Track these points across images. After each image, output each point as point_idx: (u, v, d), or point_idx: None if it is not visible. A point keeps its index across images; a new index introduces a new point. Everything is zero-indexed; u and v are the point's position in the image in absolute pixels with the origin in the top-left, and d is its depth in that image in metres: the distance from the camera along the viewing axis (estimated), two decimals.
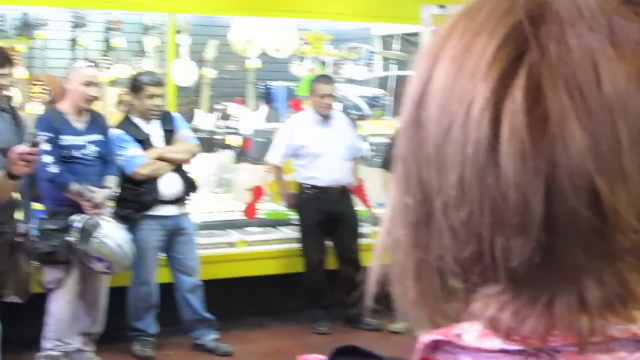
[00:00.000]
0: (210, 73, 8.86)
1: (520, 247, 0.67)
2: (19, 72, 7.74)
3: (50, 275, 6.07)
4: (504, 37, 0.69)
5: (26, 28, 8.21)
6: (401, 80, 9.48)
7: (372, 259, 0.82)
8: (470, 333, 0.71)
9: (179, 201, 6.74)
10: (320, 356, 0.90)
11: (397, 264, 0.78)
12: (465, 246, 0.70)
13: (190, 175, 6.93)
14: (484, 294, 0.72)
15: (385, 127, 8.78)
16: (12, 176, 4.27)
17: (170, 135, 6.76)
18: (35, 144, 4.23)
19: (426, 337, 0.73)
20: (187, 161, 6.86)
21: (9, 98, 6.86)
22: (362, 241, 7.66)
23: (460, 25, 0.73)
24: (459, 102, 0.69)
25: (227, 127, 8.89)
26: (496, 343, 0.69)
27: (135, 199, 6.60)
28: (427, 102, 0.72)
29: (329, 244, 7.53)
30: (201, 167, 7.77)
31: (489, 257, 0.69)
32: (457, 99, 0.69)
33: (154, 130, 6.72)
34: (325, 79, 7.75)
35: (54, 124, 6.01)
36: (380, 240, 0.80)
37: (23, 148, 4.19)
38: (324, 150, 7.29)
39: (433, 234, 0.73)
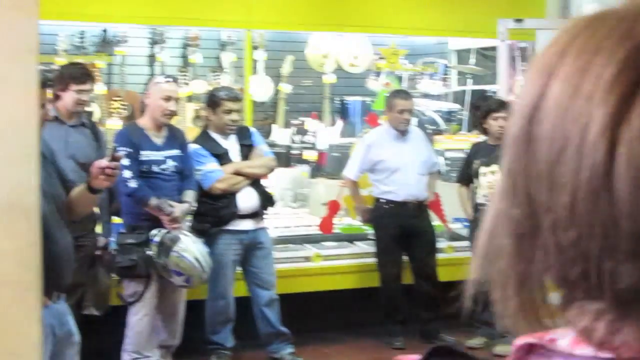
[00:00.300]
0: (287, 88, 8.88)
1: (629, 272, 0.67)
2: (99, 87, 7.84)
3: (129, 288, 6.11)
4: (623, 60, 0.68)
5: (105, 44, 8.31)
6: (476, 95, 9.42)
7: (471, 262, 0.83)
8: (564, 339, 0.73)
9: (255, 215, 6.75)
10: (416, 356, 0.90)
11: (498, 272, 0.79)
12: (572, 265, 0.71)
13: (267, 190, 6.93)
14: (581, 305, 0.73)
15: (461, 142, 8.71)
16: (92, 190, 4.30)
17: (247, 150, 6.77)
18: (115, 158, 4.25)
19: (521, 340, 0.75)
20: (263, 175, 6.88)
21: (89, 113, 6.96)
22: (438, 256, 7.60)
23: (576, 43, 0.73)
24: (574, 123, 0.69)
25: (303, 142, 8.89)
26: (588, 351, 0.70)
27: (213, 213, 6.62)
28: (540, 118, 0.73)
29: (405, 258, 7.46)
30: (277, 182, 7.80)
31: (595, 277, 0.69)
32: (572, 119, 0.70)
33: (231, 144, 6.74)
34: (403, 94, 7.70)
35: (133, 138, 6.06)
36: (481, 245, 0.81)
37: (104, 162, 4.22)
38: (401, 165, 7.25)
39: (538, 248, 0.74)
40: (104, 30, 8.20)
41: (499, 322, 0.79)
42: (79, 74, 5.61)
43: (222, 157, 6.65)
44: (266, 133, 8.12)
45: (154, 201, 6.04)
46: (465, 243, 7.67)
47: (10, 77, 1.99)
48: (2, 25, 2.02)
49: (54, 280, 3.02)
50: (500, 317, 0.77)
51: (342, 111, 9.26)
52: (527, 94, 0.75)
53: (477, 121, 7.61)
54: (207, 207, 6.60)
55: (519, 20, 7.92)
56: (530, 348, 0.75)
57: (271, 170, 7.01)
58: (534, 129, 0.73)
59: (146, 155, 6.12)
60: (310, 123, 8.94)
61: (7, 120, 1.97)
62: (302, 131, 8.94)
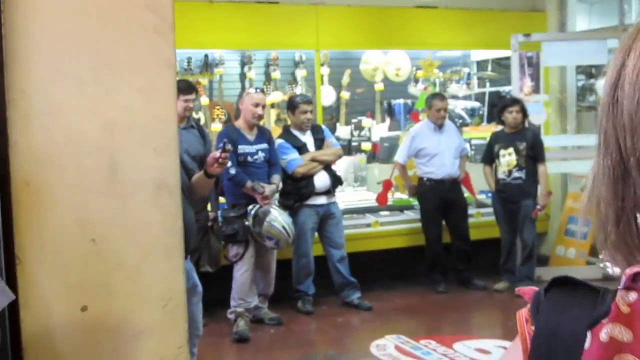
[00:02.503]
0: (346, 95, 8.88)
1: None
2: (203, 99, 7.93)
3: (233, 250, 6.18)
4: None
5: (207, 66, 8.35)
6: (494, 95, 9.36)
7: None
8: None
9: (328, 192, 6.77)
10: (535, 287, 0.88)
11: (599, 214, 0.78)
12: None
13: (336, 173, 6.95)
14: None
15: (483, 132, 8.67)
16: (208, 175, 4.34)
17: (320, 143, 6.80)
18: (226, 151, 4.28)
19: (632, 269, 0.75)
20: (333, 162, 6.89)
21: (197, 118, 7.03)
22: (470, 220, 7.58)
23: None
24: None
25: (360, 136, 8.90)
26: None
27: (295, 192, 6.65)
28: (622, 83, 0.74)
29: (443, 223, 7.44)
30: (342, 167, 7.81)
31: None
32: None
33: (308, 138, 6.77)
34: (440, 96, 7.70)
35: (231, 136, 6.09)
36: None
37: (217, 154, 4.25)
38: (438, 151, 7.26)
39: (628, 187, 0.74)
40: (206, 55, 8.23)
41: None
42: (185, 87, 5.65)
43: (301, 148, 6.69)
44: (333, 129, 8.12)
45: (249, 183, 6.11)
46: (490, 210, 7.63)
47: (157, 87, 1.99)
48: (148, 46, 2.02)
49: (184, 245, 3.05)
50: (602, 252, 0.78)
51: (390, 111, 9.24)
52: (612, 68, 0.77)
53: (496, 115, 7.56)
54: (291, 187, 6.65)
55: (527, 35, 7.82)
56: (635, 276, 0.75)
57: (339, 157, 7.02)
58: (618, 92, 0.75)
59: (242, 148, 6.19)
60: (365, 121, 8.95)
61: (155, 120, 1.98)
62: (359, 127, 8.95)
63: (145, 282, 2.03)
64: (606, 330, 0.78)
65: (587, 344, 0.79)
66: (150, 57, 2.01)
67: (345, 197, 7.72)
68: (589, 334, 0.79)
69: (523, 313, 0.88)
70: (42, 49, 1.96)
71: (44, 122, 1.97)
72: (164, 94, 2.04)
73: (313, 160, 6.67)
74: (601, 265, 6.87)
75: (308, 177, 6.63)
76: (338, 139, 7.80)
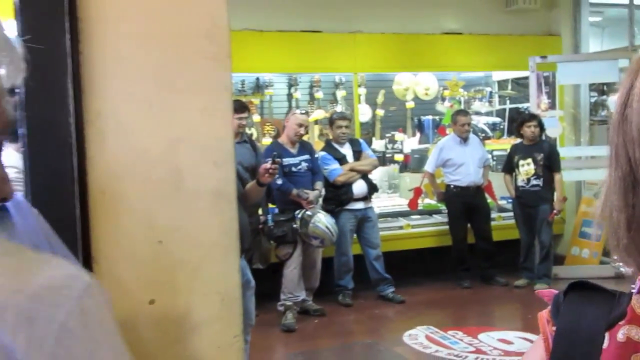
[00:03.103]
0: (380, 112, 8.85)
1: None
2: (255, 117, 7.96)
3: (282, 250, 6.18)
4: None
5: (258, 88, 8.40)
6: (513, 111, 9.26)
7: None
8: None
9: (365, 198, 6.75)
10: (555, 290, 0.86)
11: (611, 221, 0.76)
12: None
13: (372, 181, 6.93)
14: None
15: (503, 144, 8.58)
16: (260, 184, 4.35)
17: (358, 154, 6.79)
18: (275, 162, 4.30)
19: None
20: (370, 171, 6.86)
21: (249, 134, 7.06)
22: (492, 223, 7.50)
23: None
24: None
25: (393, 148, 8.87)
26: None
27: (336, 197, 6.65)
28: (631, 102, 0.74)
29: (468, 225, 7.36)
30: (378, 175, 7.79)
31: None
32: None
33: (347, 151, 6.77)
34: (464, 112, 7.66)
35: (277, 150, 6.11)
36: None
37: (268, 165, 4.27)
38: (464, 161, 7.20)
39: (638, 195, 0.73)
40: (257, 78, 8.28)
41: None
42: (238, 107, 5.67)
43: (341, 159, 6.69)
44: (369, 143, 8.09)
45: (294, 191, 6.12)
46: (510, 214, 7.54)
47: (215, 107, 1.99)
48: (208, 72, 2.03)
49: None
50: (615, 256, 0.76)
51: (419, 126, 9.19)
52: (622, 89, 0.76)
53: (515, 129, 7.47)
54: (332, 193, 6.65)
55: (544, 57, 7.72)
56: None
57: (375, 167, 7.01)
58: (627, 110, 0.74)
59: (286, 161, 6.20)
60: (397, 135, 8.91)
61: (214, 137, 1.98)
62: (392, 141, 8.92)
63: (205, 278, 2.04)
64: (623, 332, 0.76)
65: (605, 344, 0.77)
66: (210, 81, 2.02)
67: (380, 203, 7.69)
68: (606, 335, 0.77)
69: (544, 314, 0.87)
70: (115, 75, 1.98)
71: (117, 140, 1.98)
72: (221, 114, 2.04)
73: (352, 170, 6.66)
74: (614, 264, 6.73)
75: (347, 185, 6.63)
76: (374, 151, 7.77)
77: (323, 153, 6.68)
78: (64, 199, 1.93)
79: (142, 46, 1.98)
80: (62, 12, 1.88)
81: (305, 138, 6.72)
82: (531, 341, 5.54)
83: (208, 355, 2.07)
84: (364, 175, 6.75)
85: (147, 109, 1.97)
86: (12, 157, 1.94)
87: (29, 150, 1.88)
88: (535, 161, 7.03)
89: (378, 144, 8.76)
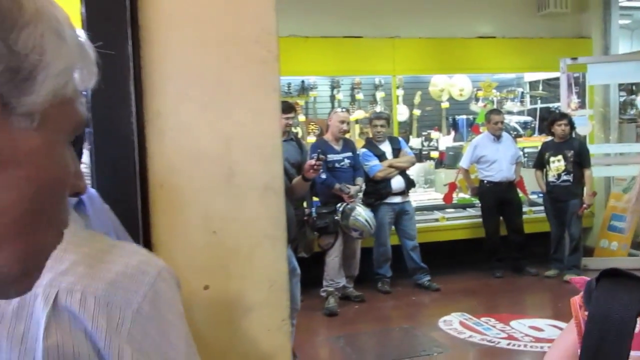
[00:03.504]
0: (417, 112, 8.80)
1: None
2: (300, 117, 7.97)
3: (325, 240, 6.17)
4: None
5: (303, 90, 8.42)
6: (544, 110, 9.10)
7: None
8: None
9: (402, 193, 6.70)
10: (587, 277, 0.84)
11: None
12: None
13: (410, 177, 6.87)
14: None
15: (534, 142, 8.44)
16: (305, 179, 4.36)
17: (396, 152, 6.74)
18: (320, 159, 4.30)
19: None
20: (407, 168, 6.80)
21: (295, 133, 7.06)
22: (523, 216, 7.36)
23: None
24: None
25: (429, 146, 8.80)
26: None
27: (375, 192, 6.61)
28: None
29: (500, 218, 7.25)
30: (415, 171, 7.73)
31: None
32: None
33: (386, 148, 6.73)
34: (497, 111, 7.54)
35: (322, 147, 6.11)
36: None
37: (312, 161, 4.28)
38: (497, 158, 7.08)
39: None
40: (302, 81, 8.31)
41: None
42: (285, 107, 5.67)
43: (380, 156, 6.65)
44: (406, 141, 8.04)
45: (337, 186, 6.10)
46: (541, 208, 7.41)
47: (265, 108, 2.00)
48: (258, 75, 2.04)
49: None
50: None
51: (454, 125, 9.10)
52: None
53: (546, 127, 7.33)
54: (372, 188, 6.61)
55: (574, 59, 7.56)
56: None
57: (412, 164, 6.95)
58: None
59: (330, 157, 6.17)
60: (433, 134, 8.85)
61: (264, 135, 1.99)
62: (428, 139, 8.86)
63: (255, 266, 2.04)
64: None
65: (637, 329, 0.75)
66: (260, 83, 2.02)
67: (417, 197, 7.63)
68: (638, 320, 0.75)
69: (577, 300, 0.85)
70: (173, 78, 2.00)
71: (175, 137, 2.00)
72: (270, 114, 2.04)
73: (390, 166, 6.62)
74: None
75: (386, 180, 6.59)
76: (411, 148, 7.73)
77: (364, 150, 6.66)
78: (126, 192, 1.95)
79: (197, 51, 1.99)
80: (125, 20, 1.90)
81: (347, 136, 6.69)
82: (561, 329, 5.44)
83: (258, 337, 2.08)
84: (402, 171, 6.69)
85: (203, 109, 1.98)
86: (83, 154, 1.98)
87: (95, 147, 1.91)
88: (565, 158, 6.89)
89: (415, 142, 8.70)
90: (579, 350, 0.81)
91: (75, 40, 0.55)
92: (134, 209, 1.96)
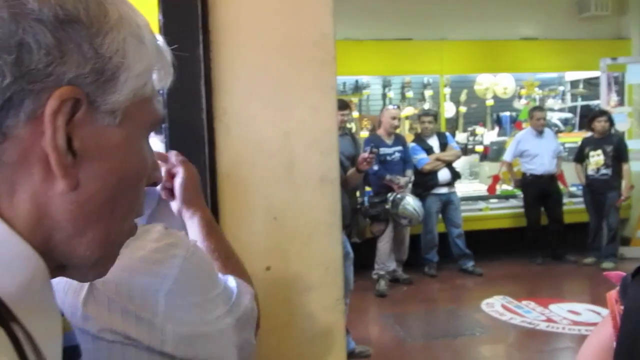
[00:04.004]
0: (463, 109, 8.64)
1: None
2: (354, 113, 7.93)
3: (376, 227, 6.13)
4: None
5: (357, 88, 8.38)
6: (584, 108, 8.80)
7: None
8: None
9: (448, 184, 6.60)
10: (622, 272, 0.80)
11: None
12: None
13: (456, 169, 6.75)
14: None
15: (574, 137, 8.17)
16: (359, 171, 4.33)
17: (444, 146, 6.63)
18: (372, 152, 4.27)
19: None
20: (453, 161, 6.69)
21: (349, 128, 7.03)
22: (563, 207, 7.15)
23: None
24: None
25: (474, 140, 8.64)
26: None
27: (423, 183, 6.53)
28: None
29: (542, 209, 7.05)
30: (461, 164, 7.60)
31: None
32: None
33: (434, 143, 6.63)
34: (540, 108, 7.32)
35: (375, 142, 6.06)
36: None
37: (366, 154, 4.25)
38: (539, 152, 6.89)
39: None
40: (356, 80, 8.27)
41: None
42: (341, 105, 5.64)
43: (428, 150, 6.56)
44: (453, 136, 7.92)
45: (388, 177, 6.04)
46: (580, 199, 7.19)
47: (323, 105, 1.99)
48: (316, 74, 2.03)
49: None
50: None
51: (498, 121, 8.90)
52: None
53: (586, 123, 7.09)
54: (420, 179, 6.54)
55: (614, 59, 7.28)
56: None
57: (458, 158, 6.82)
58: None
59: (382, 150, 6.11)
60: (478, 129, 8.67)
61: (321, 130, 1.98)
62: (473, 134, 8.69)
63: (312, 250, 2.04)
64: None
65: None
66: (318, 82, 2.01)
67: (462, 188, 7.49)
68: None
69: (613, 294, 0.81)
70: (239, 78, 2.00)
71: (240, 132, 2.01)
72: (327, 110, 2.03)
73: (437, 159, 6.52)
74: None
75: (433, 172, 6.50)
76: (457, 143, 7.60)
77: (413, 144, 6.59)
78: None
79: (261, 53, 2.00)
80: (197, 26, 1.92)
81: (397, 131, 6.63)
82: (598, 313, 5.27)
83: (314, 314, 2.08)
84: (448, 164, 6.59)
85: (265, 106, 1.99)
86: (158, 147, 2.01)
87: (169, 142, 1.93)
88: (604, 152, 6.66)
89: (461, 137, 8.55)
90: (614, 343, 0.77)
91: (153, 43, 0.55)
92: (204, 197, 1.98)
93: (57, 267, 0.52)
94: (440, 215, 6.67)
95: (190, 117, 1.93)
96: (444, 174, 6.52)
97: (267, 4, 2.01)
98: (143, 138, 0.55)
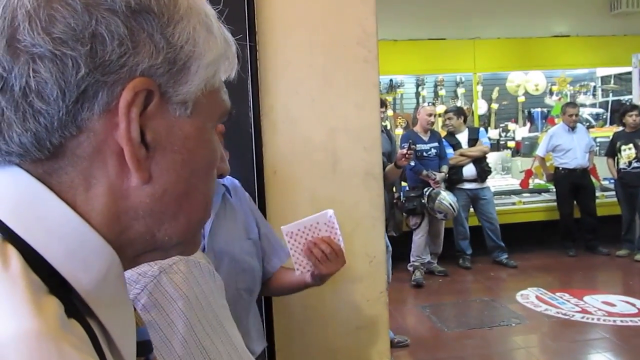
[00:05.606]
0: (495, 106, 8.48)
1: None
2: (389, 111, 7.84)
3: (412, 221, 6.04)
4: None
5: (392, 87, 8.29)
6: (615, 103, 8.54)
7: None
8: None
9: (475, 180, 6.43)
10: None
11: None
12: None
13: (484, 165, 6.52)
14: None
15: (605, 132, 7.93)
16: (397, 166, 4.27)
17: (473, 142, 6.48)
18: (411, 149, 4.20)
19: None
20: (478, 157, 6.42)
21: (385, 125, 6.96)
22: (596, 201, 6.93)
23: None
24: None
25: (506, 136, 8.45)
26: None
27: (448, 178, 6.34)
28: None
29: (575, 203, 6.86)
30: (493, 159, 7.44)
31: None
32: None
33: (463, 138, 6.50)
34: (572, 104, 7.09)
35: (411, 138, 5.97)
36: None
37: (404, 151, 4.18)
38: (571, 147, 6.68)
39: None
40: (391, 79, 8.18)
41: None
42: None
43: (455, 145, 6.44)
44: (486, 131, 7.77)
45: (424, 172, 5.94)
46: (612, 192, 6.97)
47: (366, 102, 1.94)
48: (360, 72, 1.98)
49: None
50: None
51: (529, 117, 8.70)
52: None
53: (618, 118, 6.87)
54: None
55: None
56: None
57: (485, 153, 6.53)
58: None
59: (419, 147, 6.01)
60: (510, 125, 8.49)
61: (365, 126, 1.93)
62: (505, 130, 8.51)
63: (357, 243, 2.00)
64: None
65: None
66: (361, 80, 1.97)
67: (495, 183, 7.34)
68: None
69: None
70: (285, 76, 1.98)
71: (286, 129, 1.98)
72: (371, 107, 1.99)
73: (461, 155, 6.40)
74: None
75: (457, 167, 6.37)
76: (489, 139, 7.45)
77: (443, 140, 6.48)
78: (245, 177, 1.96)
79: (306, 52, 1.96)
80: (244, 27, 1.90)
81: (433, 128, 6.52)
82: (633, 305, 5.11)
83: (359, 306, 2.04)
84: (476, 161, 6.43)
85: (310, 103, 1.95)
86: None
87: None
88: (636, 146, 6.44)
89: (493, 133, 8.38)
90: None
91: (221, 33, 0.52)
92: (251, 191, 1.96)
93: (134, 257, 0.50)
94: (474, 210, 6.54)
95: (238, 114, 1.91)
96: (468, 170, 6.38)
97: (311, 4, 1.97)
98: (212, 129, 0.53)
